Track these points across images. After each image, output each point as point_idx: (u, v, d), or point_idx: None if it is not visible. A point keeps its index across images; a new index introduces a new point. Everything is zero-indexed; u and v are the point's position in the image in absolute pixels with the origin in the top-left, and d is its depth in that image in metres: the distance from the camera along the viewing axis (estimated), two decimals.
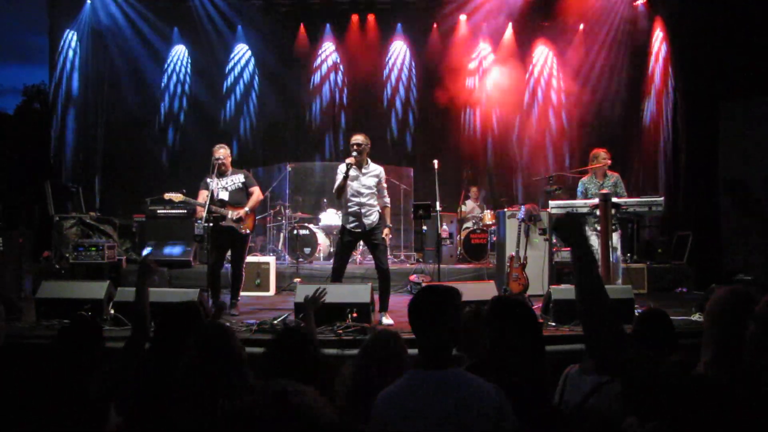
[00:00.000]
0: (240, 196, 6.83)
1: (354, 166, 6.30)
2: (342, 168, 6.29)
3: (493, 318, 2.64)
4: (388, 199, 6.62)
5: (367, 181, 6.37)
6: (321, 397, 1.81)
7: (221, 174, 6.80)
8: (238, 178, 6.88)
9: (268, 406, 1.63)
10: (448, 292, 2.50)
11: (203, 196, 6.62)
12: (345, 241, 6.47)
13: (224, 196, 6.73)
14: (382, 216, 6.48)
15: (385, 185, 6.56)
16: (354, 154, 6.28)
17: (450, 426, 2.20)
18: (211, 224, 6.56)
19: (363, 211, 6.31)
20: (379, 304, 6.25)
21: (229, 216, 6.66)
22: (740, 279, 7.93)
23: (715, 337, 2.32)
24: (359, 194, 6.33)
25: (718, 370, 2.21)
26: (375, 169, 6.45)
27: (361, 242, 6.81)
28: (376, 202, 6.43)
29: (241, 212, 6.72)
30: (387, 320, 6.15)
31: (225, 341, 2.66)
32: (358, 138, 6.38)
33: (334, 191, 6.44)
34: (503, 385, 2.33)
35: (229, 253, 6.94)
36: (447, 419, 2.20)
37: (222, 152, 6.78)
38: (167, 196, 6.85)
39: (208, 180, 6.70)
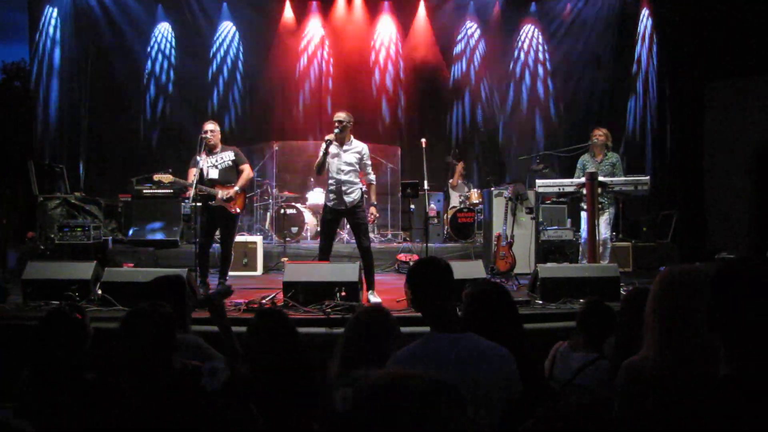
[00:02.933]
0: (230, 174, 6.69)
1: (335, 143, 6.31)
2: (323, 144, 6.31)
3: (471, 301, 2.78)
4: (373, 177, 6.60)
5: (348, 158, 6.36)
6: None
7: (210, 151, 6.67)
8: (227, 156, 6.74)
9: None
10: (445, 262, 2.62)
11: (193, 174, 6.47)
12: (327, 219, 6.47)
13: (213, 173, 6.60)
14: (364, 194, 6.49)
15: (369, 162, 6.53)
16: (336, 130, 6.28)
17: (465, 384, 2.23)
18: (199, 204, 6.51)
19: (344, 188, 6.31)
20: (366, 283, 6.27)
21: (219, 195, 6.54)
22: (723, 257, 8.05)
23: (661, 319, 2.08)
24: (340, 171, 6.32)
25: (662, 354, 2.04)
26: (357, 146, 6.44)
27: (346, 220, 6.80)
28: (357, 180, 6.42)
29: (231, 191, 6.59)
30: (375, 298, 6.19)
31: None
32: (340, 115, 6.38)
33: (315, 167, 6.46)
34: None
35: (217, 233, 6.89)
36: (463, 378, 2.24)
37: (210, 126, 6.66)
38: (157, 177, 6.78)
39: (198, 158, 6.55)
